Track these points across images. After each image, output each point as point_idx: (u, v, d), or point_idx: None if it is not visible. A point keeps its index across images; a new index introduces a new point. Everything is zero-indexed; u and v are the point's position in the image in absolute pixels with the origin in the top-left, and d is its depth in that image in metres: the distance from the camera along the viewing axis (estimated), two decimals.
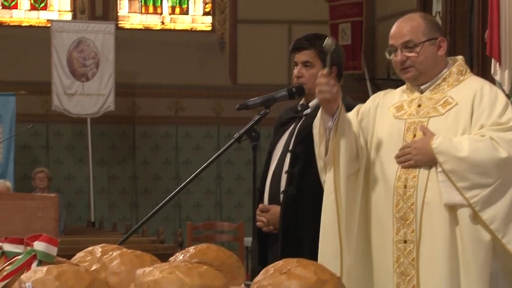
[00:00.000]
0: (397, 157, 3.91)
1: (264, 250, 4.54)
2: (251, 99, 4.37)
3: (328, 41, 3.96)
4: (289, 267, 3.03)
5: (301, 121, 4.67)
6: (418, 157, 3.85)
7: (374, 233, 3.96)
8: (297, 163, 4.55)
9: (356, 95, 12.75)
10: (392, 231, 3.89)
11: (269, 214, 4.58)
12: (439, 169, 3.81)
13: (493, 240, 3.75)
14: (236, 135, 4.19)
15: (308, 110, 4.69)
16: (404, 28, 4.01)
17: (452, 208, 3.79)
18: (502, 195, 3.74)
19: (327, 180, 4.02)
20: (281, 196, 4.58)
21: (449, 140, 3.81)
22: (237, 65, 14.66)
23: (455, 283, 3.76)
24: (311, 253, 4.16)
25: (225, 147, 4.28)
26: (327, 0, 13.87)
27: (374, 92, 13.55)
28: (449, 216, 3.80)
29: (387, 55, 4.08)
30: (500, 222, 3.74)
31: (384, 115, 4.06)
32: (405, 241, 3.87)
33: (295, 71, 4.69)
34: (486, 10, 9.40)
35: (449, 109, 3.91)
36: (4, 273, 3.07)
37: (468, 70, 4.07)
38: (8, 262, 3.14)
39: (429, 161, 3.84)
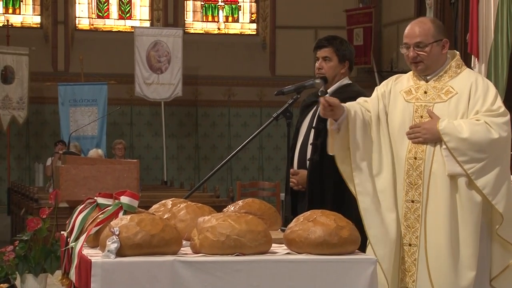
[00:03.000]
0: (408, 134, 3.84)
1: (295, 204, 4.52)
2: (286, 87, 4.33)
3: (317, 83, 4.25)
4: (315, 216, 3.01)
5: None
6: (427, 136, 3.79)
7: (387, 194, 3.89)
8: (319, 136, 4.50)
9: (366, 84, 12.62)
10: (402, 192, 3.83)
11: (298, 176, 4.55)
12: (444, 146, 3.75)
13: (483, 201, 3.72)
14: (274, 115, 4.16)
15: (327, 95, 4.64)
16: (416, 30, 3.90)
17: (452, 177, 3.75)
18: (493, 167, 3.72)
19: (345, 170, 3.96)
20: (307, 162, 4.54)
21: (452, 123, 3.75)
22: (275, 61, 14.58)
23: (454, 234, 3.73)
24: (331, 206, 4.13)
25: (265, 124, 4.26)
26: (345, 10, 13.73)
27: (380, 81, 13.47)
28: (450, 183, 3.75)
29: (402, 50, 3.95)
30: (490, 188, 3.71)
31: (397, 98, 3.97)
32: (412, 201, 3.82)
33: (317, 64, 4.64)
34: (467, 17, 9.26)
35: (451, 97, 3.85)
36: (98, 220, 3.09)
37: (463, 63, 3.99)
38: (101, 212, 3.15)
39: (435, 139, 3.78)
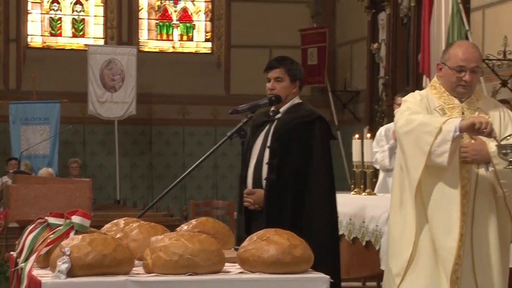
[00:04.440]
0: None
1: (249, 223, 4.51)
2: (241, 106, 4.35)
3: None
4: (268, 235, 3.01)
5: (275, 123, 4.65)
6: (476, 157, 3.81)
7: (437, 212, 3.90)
8: (275, 156, 4.52)
9: (320, 103, 12.72)
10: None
11: (255, 196, 4.54)
12: (491, 168, 3.80)
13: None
14: (229, 134, 4.17)
15: (279, 115, 4.67)
16: (474, 54, 3.90)
17: (493, 195, 3.86)
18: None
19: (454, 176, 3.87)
20: (264, 182, 4.54)
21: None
22: (230, 79, 14.61)
23: (499, 251, 3.87)
24: (290, 225, 4.14)
25: (220, 142, 4.26)
26: (299, 30, 13.84)
27: (334, 100, 13.62)
28: (492, 201, 3.86)
29: (457, 72, 3.90)
30: None
31: (434, 114, 3.92)
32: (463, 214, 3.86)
33: (269, 85, 4.65)
34: (419, 38, 9.41)
35: None
36: (49, 240, 3.05)
37: None
38: (52, 232, 3.11)
39: (483, 161, 3.82)
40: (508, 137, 3.74)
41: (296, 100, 4.69)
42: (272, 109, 4.69)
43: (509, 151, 3.58)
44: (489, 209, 3.86)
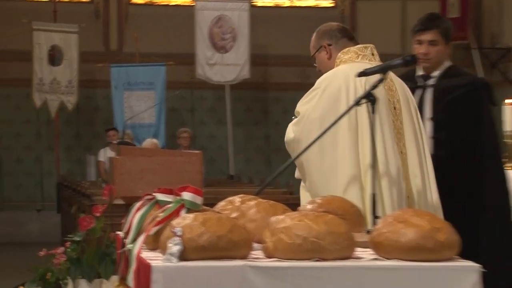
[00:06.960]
0: None
1: None
2: (369, 67, 4.29)
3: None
4: (406, 217, 2.97)
5: (431, 91, 4.56)
6: None
7: None
8: (441, 129, 4.45)
9: (462, 62, 12.44)
10: None
11: None
12: None
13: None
14: (356, 99, 4.12)
15: (431, 81, 4.59)
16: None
17: None
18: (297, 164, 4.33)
19: None
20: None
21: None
22: (357, 36, 14.46)
23: None
24: (462, 205, 4.20)
25: (346, 109, 4.21)
26: None
27: (481, 60, 13.26)
28: None
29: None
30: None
31: None
32: None
33: (422, 49, 4.55)
34: None
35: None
36: (158, 219, 3.11)
37: (349, 60, 4.39)
38: (161, 210, 3.17)
39: None
40: None
41: (448, 62, 4.61)
42: (420, 73, 4.62)
43: None
44: None
